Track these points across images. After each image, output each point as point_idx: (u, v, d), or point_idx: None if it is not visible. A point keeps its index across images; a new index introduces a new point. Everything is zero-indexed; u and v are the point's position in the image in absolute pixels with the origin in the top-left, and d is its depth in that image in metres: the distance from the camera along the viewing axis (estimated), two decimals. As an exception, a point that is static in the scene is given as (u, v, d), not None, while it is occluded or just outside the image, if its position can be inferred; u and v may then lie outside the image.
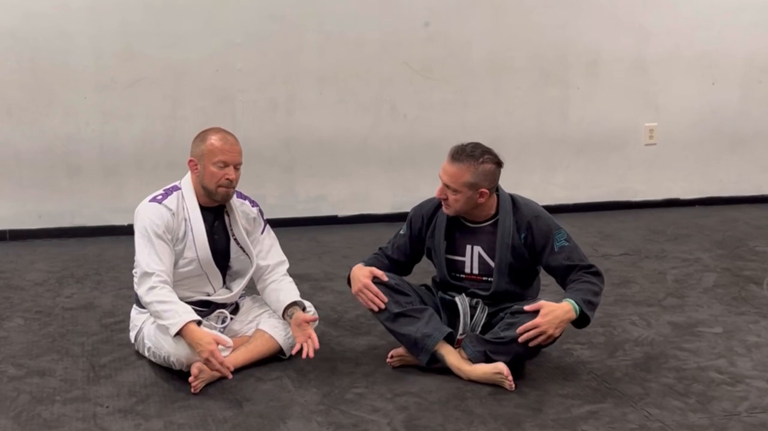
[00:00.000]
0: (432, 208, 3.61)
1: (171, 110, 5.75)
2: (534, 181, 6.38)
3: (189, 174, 3.57)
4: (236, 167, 3.51)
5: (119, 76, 5.65)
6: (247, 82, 5.87)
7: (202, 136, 3.53)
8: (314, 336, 3.46)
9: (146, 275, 3.36)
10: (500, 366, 3.30)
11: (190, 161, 3.53)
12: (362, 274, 3.51)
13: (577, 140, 6.56)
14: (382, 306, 3.45)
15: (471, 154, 3.38)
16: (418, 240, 3.65)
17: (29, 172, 5.66)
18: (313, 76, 5.98)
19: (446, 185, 3.41)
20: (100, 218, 5.78)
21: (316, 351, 3.42)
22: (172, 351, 3.34)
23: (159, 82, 5.72)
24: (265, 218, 3.75)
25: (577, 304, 3.27)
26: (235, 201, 3.62)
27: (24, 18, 5.46)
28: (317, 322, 3.62)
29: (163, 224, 3.42)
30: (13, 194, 5.67)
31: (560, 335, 3.29)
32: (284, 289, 3.63)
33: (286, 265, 3.75)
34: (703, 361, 3.62)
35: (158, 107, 5.74)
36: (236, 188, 3.64)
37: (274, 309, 3.63)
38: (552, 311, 3.25)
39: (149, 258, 3.38)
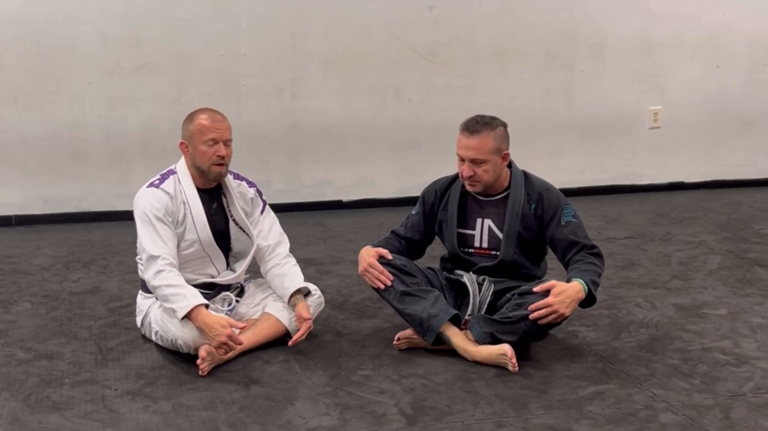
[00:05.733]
0: (446, 183, 3.67)
1: (176, 95, 5.75)
2: (540, 165, 6.36)
3: (183, 158, 3.58)
4: (226, 143, 3.50)
5: (125, 61, 5.66)
6: (252, 67, 5.87)
7: (190, 117, 3.54)
8: (302, 333, 3.47)
9: (152, 258, 3.38)
10: (505, 348, 3.32)
11: (181, 143, 3.54)
12: (368, 254, 3.53)
13: (583, 123, 6.55)
14: (388, 284, 3.46)
15: (484, 122, 3.47)
16: (431, 215, 3.68)
17: (35, 158, 5.67)
18: (318, 61, 5.98)
19: (472, 161, 3.45)
20: (106, 203, 5.80)
21: (323, 334, 3.42)
22: (179, 334, 3.36)
23: (164, 67, 5.72)
24: (264, 198, 3.75)
25: (586, 284, 3.29)
26: (231, 182, 3.63)
27: (29, 3, 5.46)
28: (311, 327, 3.57)
29: (162, 208, 3.44)
30: (19, 180, 5.68)
31: (570, 314, 3.30)
32: (288, 274, 3.63)
33: (287, 244, 3.75)
34: (707, 342, 3.63)
35: (164, 92, 5.74)
36: (236, 172, 3.67)
37: (280, 295, 3.65)
38: (564, 290, 3.26)
39: (153, 243, 3.40)
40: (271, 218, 3.75)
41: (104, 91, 5.68)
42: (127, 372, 3.34)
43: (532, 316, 3.26)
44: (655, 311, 4.03)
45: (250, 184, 3.72)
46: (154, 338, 3.54)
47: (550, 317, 3.25)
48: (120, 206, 5.76)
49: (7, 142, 5.61)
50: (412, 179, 6.05)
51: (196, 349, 3.33)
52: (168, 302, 3.34)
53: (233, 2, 5.76)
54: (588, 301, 3.34)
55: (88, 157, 5.75)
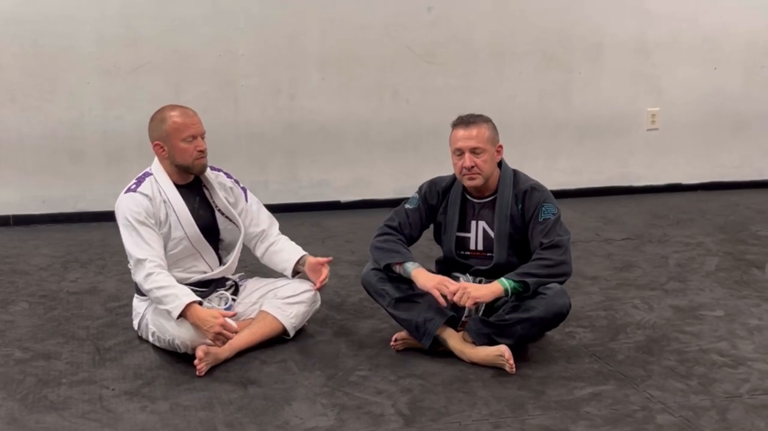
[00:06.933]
0: (447, 185, 3.66)
1: (174, 95, 5.73)
2: (537, 166, 6.37)
3: (156, 159, 3.57)
4: (203, 136, 3.53)
5: (122, 61, 5.66)
6: (250, 67, 5.87)
7: (160, 116, 3.52)
8: (325, 274, 3.63)
9: (140, 262, 3.38)
10: (502, 349, 3.33)
11: (156, 144, 3.52)
12: (439, 278, 3.43)
13: (580, 124, 6.56)
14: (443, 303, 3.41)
15: (477, 116, 3.55)
16: (430, 214, 3.67)
17: (33, 157, 5.67)
18: (315, 61, 5.98)
19: (473, 150, 3.47)
20: (103, 203, 5.75)
21: (320, 334, 3.46)
22: (176, 334, 3.36)
23: (162, 67, 5.72)
24: (242, 185, 3.78)
25: (507, 279, 3.34)
26: (210, 174, 3.65)
27: (27, 3, 5.46)
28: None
29: (143, 211, 3.44)
30: (16, 180, 5.68)
31: (479, 296, 3.31)
32: (286, 248, 3.73)
33: (277, 224, 3.82)
34: (704, 344, 3.64)
35: (161, 92, 5.71)
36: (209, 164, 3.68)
37: (282, 269, 3.69)
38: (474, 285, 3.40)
39: (138, 247, 3.40)
40: (256, 203, 3.79)
41: (102, 91, 5.68)
42: (124, 372, 3.35)
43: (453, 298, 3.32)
44: (653, 312, 4.03)
45: (228, 175, 3.75)
46: (151, 339, 3.55)
47: (458, 296, 3.29)
48: (117, 205, 5.76)
49: (5, 142, 5.60)
50: (409, 180, 6.01)
51: (194, 349, 3.34)
52: (161, 304, 3.35)
53: (231, 3, 5.76)
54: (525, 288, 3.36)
55: (85, 157, 5.75)
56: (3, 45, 5.49)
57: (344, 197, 6.25)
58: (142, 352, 3.53)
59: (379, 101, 6.16)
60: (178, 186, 3.55)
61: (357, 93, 6.10)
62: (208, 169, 3.63)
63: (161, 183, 3.52)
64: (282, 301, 3.62)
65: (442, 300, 3.34)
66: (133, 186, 3.51)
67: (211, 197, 3.64)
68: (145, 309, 3.55)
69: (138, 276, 3.40)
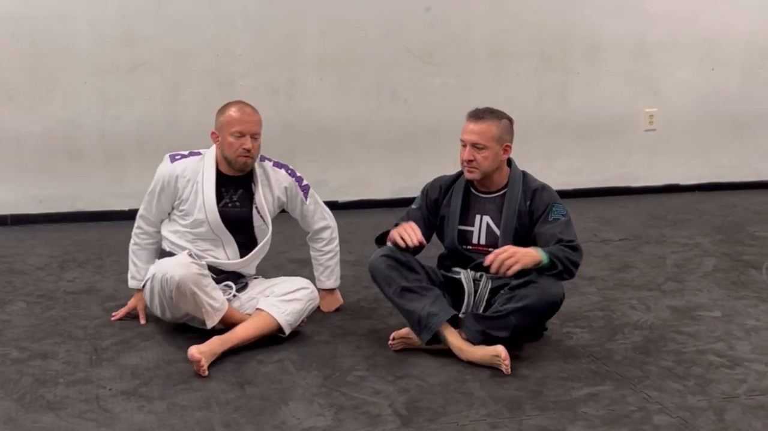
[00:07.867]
0: (450, 180, 3.69)
1: (172, 94, 5.75)
2: (535, 166, 6.33)
3: (214, 146, 3.72)
4: (253, 136, 3.64)
5: (120, 60, 5.65)
6: (248, 67, 5.87)
7: (223, 109, 3.69)
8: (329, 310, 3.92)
9: (138, 217, 3.81)
10: (498, 349, 3.33)
11: (212, 133, 3.69)
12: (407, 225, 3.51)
13: (578, 125, 6.56)
14: (415, 242, 3.43)
15: (491, 112, 3.58)
16: (433, 210, 3.69)
17: (30, 157, 5.66)
18: (313, 61, 5.98)
19: (474, 145, 3.50)
20: (101, 202, 5.79)
21: (317, 334, 3.52)
22: (168, 267, 3.43)
23: (160, 66, 5.72)
24: (304, 184, 3.89)
25: (545, 253, 3.34)
26: (269, 170, 3.78)
27: (25, 2, 5.46)
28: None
29: (162, 180, 3.68)
30: (14, 179, 5.67)
31: (522, 264, 3.29)
32: (324, 270, 3.95)
33: (332, 226, 3.98)
34: (702, 344, 3.64)
35: (159, 92, 5.74)
36: (277, 160, 3.85)
37: (317, 283, 3.90)
38: (520, 249, 3.35)
39: (144, 205, 3.77)
40: (314, 204, 3.95)
41: (100, 90, 5.67)
42: (121, 371, 3.34)
43: (493, 268, 3.30)
44: (650, 313, 4.04)
45: (290, 173, 3.87)
46: (154, 291, 3.54)
47: (506, 259, 3.27)
48: (115, 205, 5.76)
49: (3, 141, 5.59)
50: (407, 180, 6.05)
51: (179, 287, 3.39)
52: (130, 261, 3.81)
53: (229, 2, 5.75)
54: (550, 271, 3.36)
55: (83, 156, 5.74)
56: (1, 44, 5.48)
57: (342, 198, 6.24)
58: (139, 352, 3.53)
59: (377, 102, 6.16)
60: (223, 175, 3.67)
61: (355, 93, 6.10)
62: (270, 164, 3.79)
63: (205, 166, 3.66)
64: (278, 298, 3.62)
65: (401, 242, 3.41)
66: (178, 157, 3.71)
67: (254, 193, 3.72)
68: (155, 272, 3.60)
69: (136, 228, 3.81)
